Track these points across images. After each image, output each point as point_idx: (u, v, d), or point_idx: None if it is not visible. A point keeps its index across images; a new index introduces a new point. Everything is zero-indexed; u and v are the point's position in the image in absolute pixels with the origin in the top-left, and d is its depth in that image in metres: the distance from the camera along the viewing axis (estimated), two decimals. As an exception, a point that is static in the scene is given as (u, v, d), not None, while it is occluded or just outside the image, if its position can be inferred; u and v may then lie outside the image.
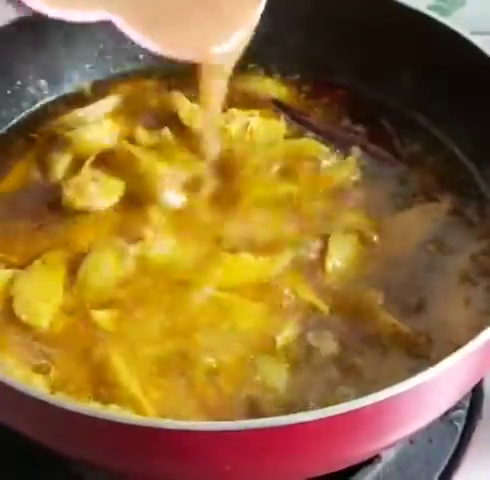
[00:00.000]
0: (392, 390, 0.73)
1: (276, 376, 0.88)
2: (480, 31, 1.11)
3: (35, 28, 1.12)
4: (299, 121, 1.15)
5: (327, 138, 1.12)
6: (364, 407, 0.73)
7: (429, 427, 0.89)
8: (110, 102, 1.18)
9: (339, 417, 0.72)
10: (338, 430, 0.74)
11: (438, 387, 0.78)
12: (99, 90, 1.20)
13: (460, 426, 0.99)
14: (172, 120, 1.14)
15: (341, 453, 0.79)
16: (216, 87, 1.02)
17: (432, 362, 0.76)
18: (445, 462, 0.97)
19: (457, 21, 1.08)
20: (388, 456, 0.95)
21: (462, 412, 0.99)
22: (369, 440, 0.78)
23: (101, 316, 0.93)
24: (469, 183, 1.08)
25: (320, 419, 0.72)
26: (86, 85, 1.21)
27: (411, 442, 0.97)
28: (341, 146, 1.11)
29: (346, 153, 1.10)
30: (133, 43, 1.00)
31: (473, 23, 1.11)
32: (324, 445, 0.76)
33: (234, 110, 1.14)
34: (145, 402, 0.86)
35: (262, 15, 1.02)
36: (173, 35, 0.99)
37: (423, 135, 1.13)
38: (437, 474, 0.95)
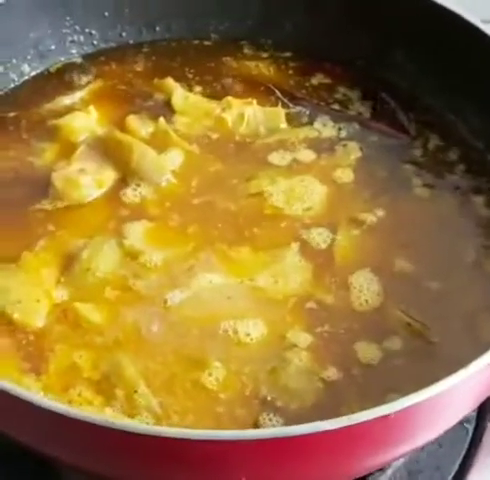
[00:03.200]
0: (420, 395, 0.69)
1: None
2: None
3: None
4: (296, 103, 1.11)
5: (328, 118, 1.09)
6: (388, 414, 0.69)
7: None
8: (97, 87, 1.13)
9: (363, 424, 0.68)
10: (362, 438, 0.70)
11: (464, 391, 0.74)
12: (85, 71, 1.14)
13: (470, 428, 0.95)
14: (163, 107, 1.10)
15: (360, 463, 0.75)
16: None
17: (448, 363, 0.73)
18: (456, 466, 0.93)
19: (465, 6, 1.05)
20: (398, 461, 0.91)
21: (472, 414, 0.96)
22: (391, 448, 0.74)
23: (88, 310, 0.88)
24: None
25: (344, 427, 0.67)
26: (71, 63, 1.16)
27: (421, 447, 0.93)
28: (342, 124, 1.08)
29: (348, 131, 1.07)
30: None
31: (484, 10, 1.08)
32: (343, 454, 0.72)
33: (230, 98, 1.09)
34: (153, 403, 0.82)
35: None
36: None
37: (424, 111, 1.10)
38: (449, 478, 0.92)
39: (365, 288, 0.91)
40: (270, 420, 0.81)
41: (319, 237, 0.96)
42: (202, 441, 0.67)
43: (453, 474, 0.92)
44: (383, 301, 0.90)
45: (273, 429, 0.71)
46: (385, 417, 0.69)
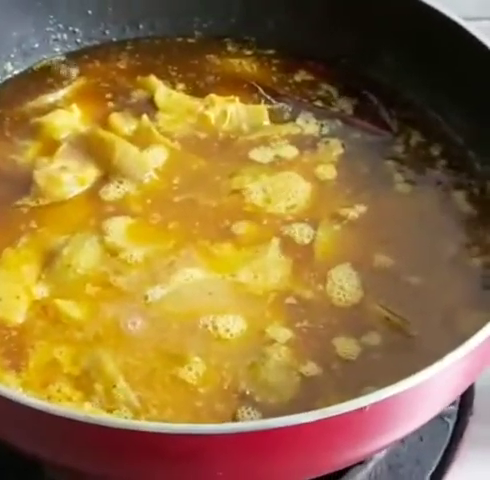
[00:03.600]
0: (396, 387, 0.70)
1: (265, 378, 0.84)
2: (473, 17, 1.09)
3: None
4: (278, 100, 1.11)
5: (311, 114, 1.09)
6: (364, 407, 0.69)
7: (419, 425, 0.86)
8: (80, 85, 1.13)
9: (340, 417, 0.68)
10: (340, 430, 0.70)
11: (441, 384, 0.75)
12: (68, 69, 1.14)
13: (451, 423, 0.96)
14: (146, 104, 1.10)
15: (339, 455, 0.75)
16: None
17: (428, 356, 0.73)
18: (437, 460, 0.93)
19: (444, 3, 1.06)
20: (379, 455, 0.91)
21: (453, 408, 0.96)
22: (369, 440, 0.75)
23: (68, 306, 0.89)
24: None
25: (320, 420, 0.68)
26: (54, 61, 1.15)
27: (401, 441, 0.93)
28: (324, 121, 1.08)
29: (330, 128, 1.07)
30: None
31: (465, 9, 1.09)
32: (320, 447, 0.72)
33: (213, 96, 1.09)
34: (132, 397, 0.82)
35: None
36: None
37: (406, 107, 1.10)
38: (429, 473, 0.92)
39: (344, 283, 0.91)
40: (248, 414, 0.81)
41: (300, 233, 0.96)
42: (180, 435, 0.67)
43: (434, 469, 0.93)
44: (362, 296, 0.90)
45: (250, 422, 0.71)
46: (361, 409, 0.69)
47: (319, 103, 1.11)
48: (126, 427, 0.69)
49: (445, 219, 0.98)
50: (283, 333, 0.87)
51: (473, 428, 0.96)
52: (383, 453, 0.92)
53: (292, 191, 1.01)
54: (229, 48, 1.19)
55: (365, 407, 0.69)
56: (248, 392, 0.83)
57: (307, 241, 0.95)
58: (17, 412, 0.71)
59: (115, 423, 0.70)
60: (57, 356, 0.86)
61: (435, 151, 1.06)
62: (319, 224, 0.97)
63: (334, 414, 0.69)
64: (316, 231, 0.96)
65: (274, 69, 1.16)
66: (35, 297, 0.90)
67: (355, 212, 0.98)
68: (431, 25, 1.06)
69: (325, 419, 0.68)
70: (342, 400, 0.70)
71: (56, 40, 1.16)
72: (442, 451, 0.94)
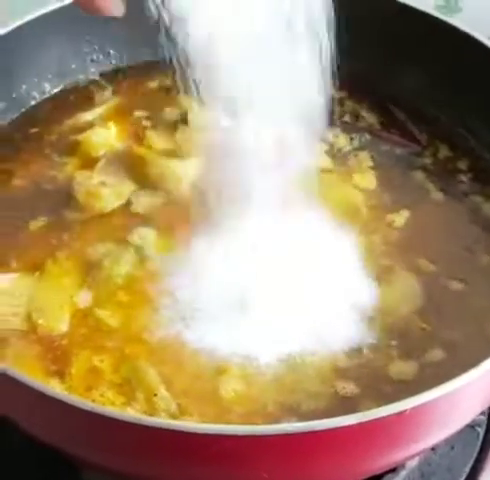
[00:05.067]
0: (434, 392, 0.72)
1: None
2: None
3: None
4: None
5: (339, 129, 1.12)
6: (404, 411, 0.71)
7: (450, 433, 0.87)
8: (115, 103, 1.16)
9: (380, 420, 0.71)
10: (379, 433, 0.72)
11: (475, 390, 0.77)
12: (103, 89, 1.18)
13: (481, 431, 0.97)
14: (180, 121, 1.12)
15: (377, 459, 0.77)
16: None
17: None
18: (468, 468, 0.95)
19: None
20: (412, 463, 0.93)
21: (483, 418, 0.98)
22: (407, 444, 0.77)
23: (107, 315, 0.91)
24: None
25: (362, 422, 0.70)
26: (90, 81, 1.19)
27: (433, 449, 0.95)
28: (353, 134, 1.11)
29: (360, 141, 1.10)
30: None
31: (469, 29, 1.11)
32: (363, 450, 0.74)
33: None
34: (173, 406, 0.84)
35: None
36: None
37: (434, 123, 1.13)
38: (460, 480, 0.94)
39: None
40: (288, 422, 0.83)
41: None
42: (227, 436, 0.69)
43: (465, 477, 0.95)
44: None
45: (295, 424, 0.73)
46: (401, 413, 0.71)
47: (347, 118, 1.14)
48: (172, 428, 0.71)
49: (476, 228, 1.01)
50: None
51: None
52: (415, 461, 0.93)
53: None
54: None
55: (406, 411, 0.71)
56: (288, 403, 0.84)
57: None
58: (66, 414, 0.74)
59: (167, 424, 0.72)
60: (98, 364, 0.88)
61: (462, 165, 1.09)
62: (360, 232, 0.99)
63: (375, 417, 0.71)
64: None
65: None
66: (77, 306, 0.92)
67: (401, 218, 1.01)
68: (457, 45, 1.08)
69: (366, 422, 0.70)
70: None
71: (92, 61, 1.20)
72: (473, 459, 0.96)
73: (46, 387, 0.74)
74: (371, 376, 0.87)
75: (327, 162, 1.08)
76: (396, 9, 1.13)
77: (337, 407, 0.84)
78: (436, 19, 1.11)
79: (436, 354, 0.88)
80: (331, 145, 1.10)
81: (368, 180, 1.06)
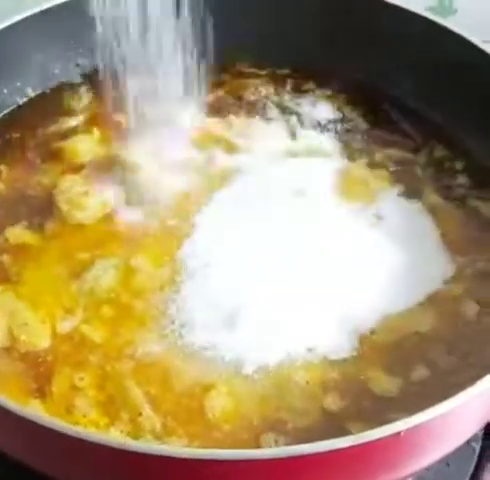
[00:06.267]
0: (429, 413, 0.69)
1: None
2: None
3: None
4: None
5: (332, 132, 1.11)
6: (401, 431, 0.68)
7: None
8: (98, 107, 1.12)
9: (375, 442, 0.68)
10: (374, 455, 0.70)
11: (471, 410, 0.74)
12: (86, 93, 1.15)
13: (477, 447, 0.95)
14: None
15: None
16: None
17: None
18: (464, 484, 0.92)
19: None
20: (406, 481, 0.91)
21: (479, 434, 0.95)
22: (403, 466, 0.74)
23: (91, 330, 0.89)
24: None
25: (355, 445, 0.67)
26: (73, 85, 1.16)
27: (427, 469, 0.92)
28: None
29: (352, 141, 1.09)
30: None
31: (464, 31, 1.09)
32: (356, 472, 0.71)
33: (232, 117, 1.10)
34: (158, 426, 0.81)
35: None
36: None
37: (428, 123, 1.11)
38: (457, 497, 0.91)
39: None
40: (275, 441, 0.80)
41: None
42: (213, 461, 0.67)
43: (461, 493, 0.92)
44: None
45: (284, 448, 0.70)
46: (397, 434, 0.69)
47: (342, 119, 1.12)
48: (157, 453, 0.68)
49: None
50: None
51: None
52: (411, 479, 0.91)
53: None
54: (243, 69, 1.18)
55: (400, 432, 0.69)
56: (274, 419, 0.82)
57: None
58: (54, 439, 0.71)
59: (151, 449, 0.70)
60: (78, 382, 0.85)
61: (458, 165, 1.07)
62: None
63: (370, 439, 0.68)
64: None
65: (288, 88, 1.16)
66: (60, 321, 0.89)
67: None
68: (451, 47, 1.06)
69: (361, 444, 0.68)
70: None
71: (77, 65, 1.16)
72: (468, 476, 0.93)
73: (24, 410, 0.71)
74: (357, 391, 0.84)
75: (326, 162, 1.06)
76: (391, 11, 1.11)
77: (323, 423, 0.82)
78: (430, 21, 1.09)
79: (421, 372, 0.86)
80: (322, 145, 1.08)
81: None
